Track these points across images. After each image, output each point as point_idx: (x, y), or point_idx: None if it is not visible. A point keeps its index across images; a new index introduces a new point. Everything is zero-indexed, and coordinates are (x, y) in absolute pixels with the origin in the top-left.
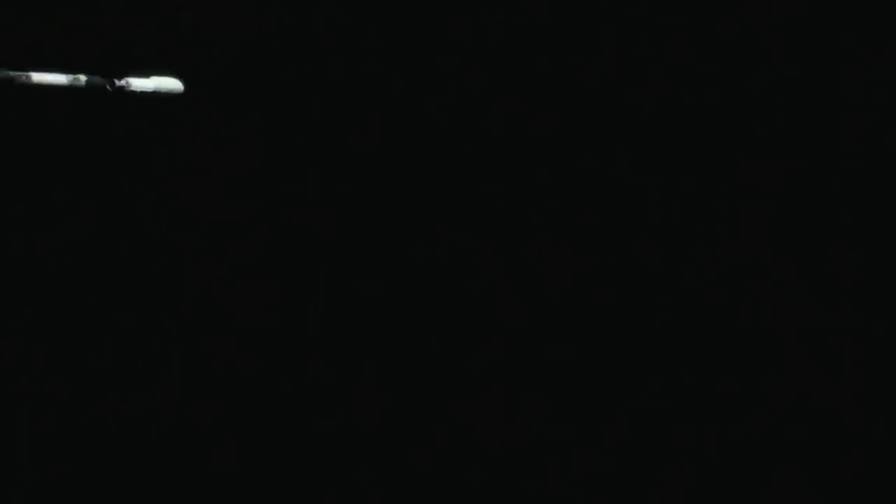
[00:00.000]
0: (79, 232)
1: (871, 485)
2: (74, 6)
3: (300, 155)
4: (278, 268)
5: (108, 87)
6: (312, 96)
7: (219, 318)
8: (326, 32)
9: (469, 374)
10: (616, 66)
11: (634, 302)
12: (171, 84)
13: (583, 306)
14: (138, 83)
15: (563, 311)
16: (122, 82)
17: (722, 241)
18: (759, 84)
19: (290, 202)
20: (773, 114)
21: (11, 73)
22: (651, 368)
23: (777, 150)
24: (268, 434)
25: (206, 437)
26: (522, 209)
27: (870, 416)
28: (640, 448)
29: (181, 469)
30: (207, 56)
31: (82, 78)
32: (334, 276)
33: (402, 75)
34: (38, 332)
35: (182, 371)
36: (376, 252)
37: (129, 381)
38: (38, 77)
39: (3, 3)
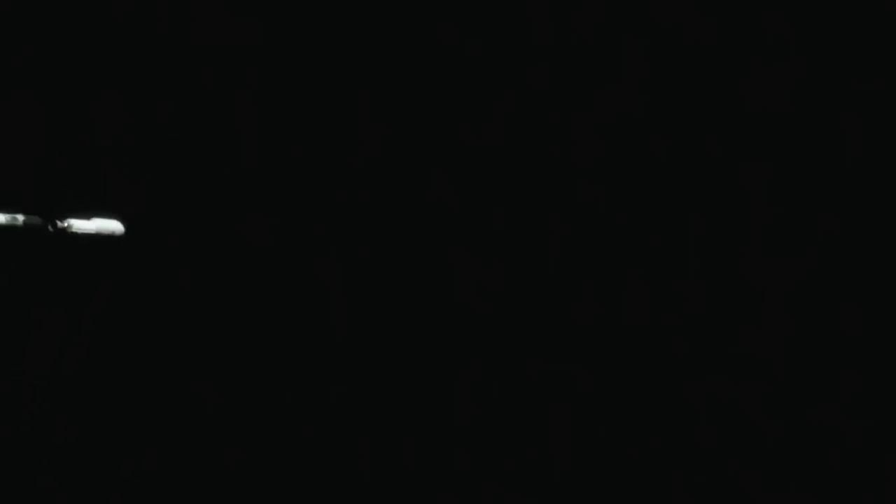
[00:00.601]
0: (20, 376)
1: (871, 485)
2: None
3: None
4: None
5: (48, 227)
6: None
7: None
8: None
9: (467, 373)
10: (616, 65)
11: (634, 301)
12: (112, 226)
13: (581, 308)
14: (79, 224)
15: (560, 312)
16: (63, 223)
17: (721, 240)
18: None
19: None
20: (773, 113)
21: None
22: (651, 368)
23: (777, 150)
24: (267, 434)
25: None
26: (522, 209)
27: (870, 416)
28: (641, 448)
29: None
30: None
31: (20, 218)
32: (334, 275)
33: (401, 75)
34: None
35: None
36: (376, 251)
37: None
38: None
39: None
